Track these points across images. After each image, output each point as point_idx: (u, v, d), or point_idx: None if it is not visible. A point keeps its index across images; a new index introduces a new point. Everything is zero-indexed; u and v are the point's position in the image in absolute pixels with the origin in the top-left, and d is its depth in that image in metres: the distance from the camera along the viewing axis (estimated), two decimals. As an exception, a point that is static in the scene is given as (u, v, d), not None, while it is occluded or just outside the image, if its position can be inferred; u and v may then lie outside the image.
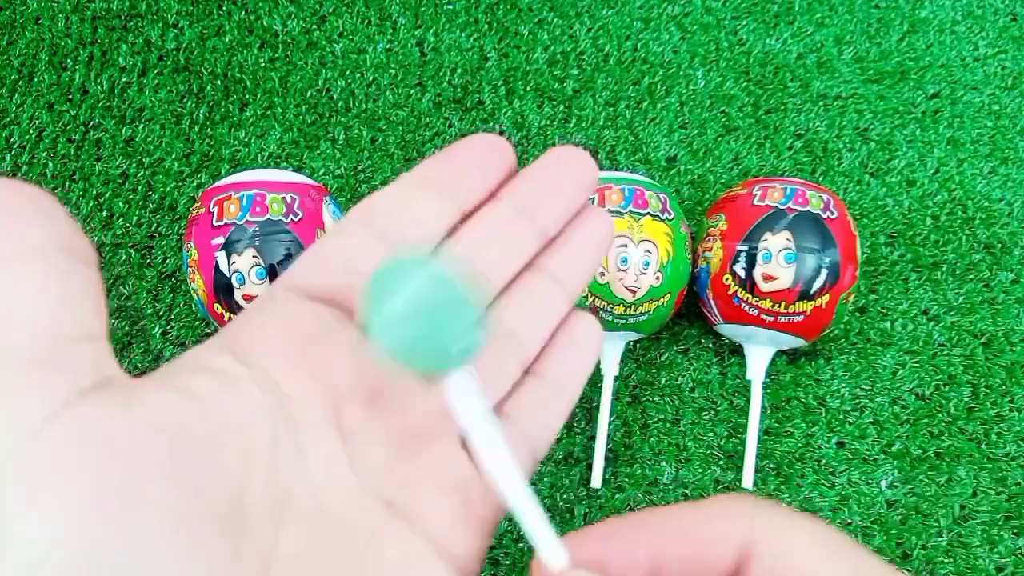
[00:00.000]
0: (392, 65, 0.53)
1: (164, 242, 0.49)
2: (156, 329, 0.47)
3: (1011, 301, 0.48)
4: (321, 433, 0.18)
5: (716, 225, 0.43)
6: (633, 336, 0.44)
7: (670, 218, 0.43)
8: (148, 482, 0.14)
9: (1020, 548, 0.43)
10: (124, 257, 0.48)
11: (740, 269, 0.42)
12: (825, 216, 0.41)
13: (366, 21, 0.54)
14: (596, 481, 0.43)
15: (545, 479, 0.44)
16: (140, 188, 0.50)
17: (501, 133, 0.52)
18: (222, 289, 0.39)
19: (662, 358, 0.47)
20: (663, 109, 0.52)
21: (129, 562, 0.14)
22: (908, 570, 0.43)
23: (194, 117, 0.52)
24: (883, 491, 0.44)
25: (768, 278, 0.41)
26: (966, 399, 0.46)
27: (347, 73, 0.53)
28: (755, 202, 0.42)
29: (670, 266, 0.42)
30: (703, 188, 0.51)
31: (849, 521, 0.44)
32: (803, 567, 0.16)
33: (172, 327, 0.47)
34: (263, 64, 0.53)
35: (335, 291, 0.20)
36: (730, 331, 0.44)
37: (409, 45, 0.54)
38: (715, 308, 0.43)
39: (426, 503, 0.19)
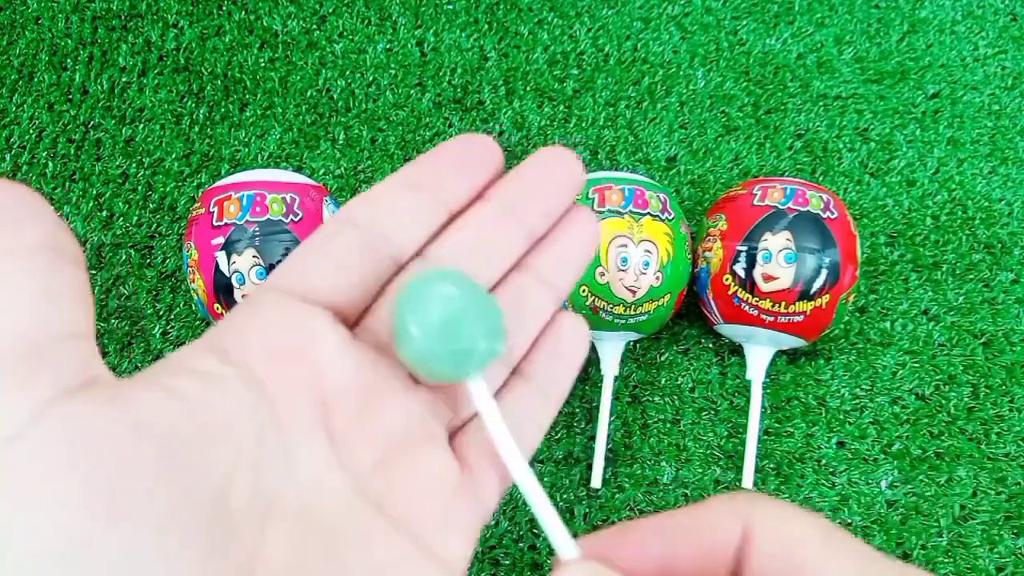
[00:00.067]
0: (392, 65, 0.53)
1: (164, 242, 0.49)
2: (156, 329, 0.47)
3: (1011, 301, 0.48)
4: (308, 434, 0.18)
5: (716, 225, 0.43)
6: (633, 336, 0.44)
7: (670, 218, 0.43)
8: (135, 482, 0.14)
9: (1020, 548, 0.43)
10: (124, 257, 0.48)
11: (740, 269, 0.42)
12: (825, 216, 0.41)
13: (366, 21, 0.54)
14: (596, 481, 0.43)
15: (545, 479, 0.44)
16: (140, 188, 0.50)
17: (501, 133, 0.52)
18: (222, 289, 0.39)
19: (662, 358, 0.47)
20: (663, 109, 0.52)
21: (116, 562, 0.14)
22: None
23: (194, 117, 0.52)
24: (883, 491, 0.44)
25: (768, 278, 0.41)
26: (966, 399, 0.46)
27: (347, 73, 0.53)
28: (755, 202, 0.42)
29: (670, 266, 0.42)
30: (703, 188, 0.51)
31: (849, 521, 0.44)
32: (804, 557, 0.16)
33: (172, 327, 0.47)
34: (263, 64, 0.53)
35: (323, 292, 0.20)
36: (730, 331, 0.44)
37: (409, 45, 0.54)
38: (715, 308, 0.43)
39: (414, 505, 0.19)
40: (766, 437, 0.45)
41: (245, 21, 0.54)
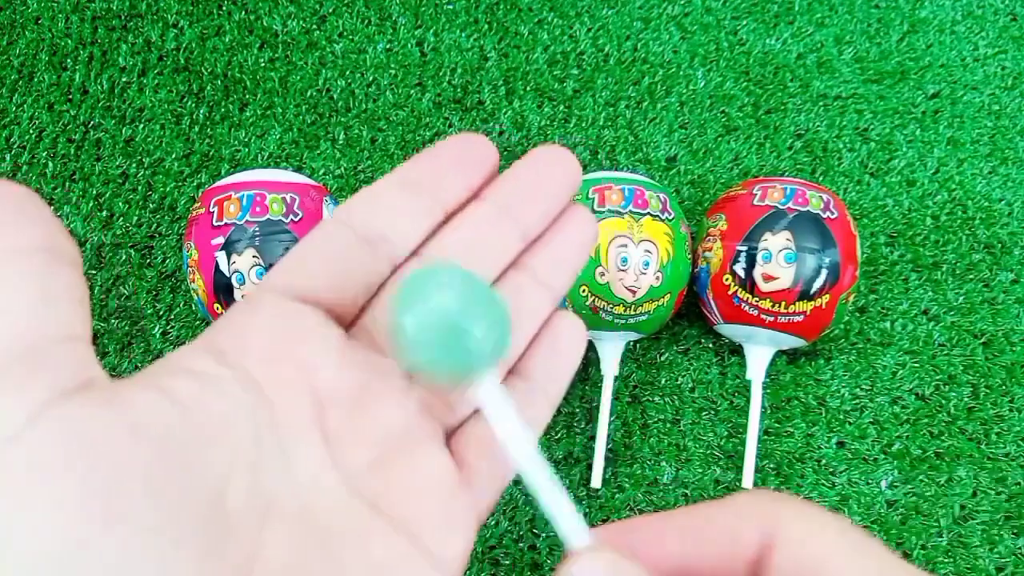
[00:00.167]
0: (392, 65, 0.53)
1: (164, 242, 0.49)
2: (156, 329, 0.47)
3: (1011, 301, 0.48)
4: (304, 434, 0.18)
5: (716, 225, 0.43)
6: (633, 336, 0.44)
7: (670, 218, 0.43)
8: (131, 484, 0.14)
9: (1020, 548, 0.43)
10: (124, 257, 0.48)
11: (740, 269, 0.42)
12: (825, 216, 0.41)
13: (366, 21, 0.54)
14: (596, 481, 0.43)
15: (545, 479, 0.44)
16: (140, 188, 0.50)
17: (501, 133, 0.52)
18: (222, 289, 0.39)
19: (662, 358, 0.47)
20: (663, 109, 0.52)
21: (113, 563, 0.14)
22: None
23: (194, 117, 0.52)
24: (883, 491, 0.44)
25: (768, 278, 0.41)
26: (966, 399, 0.46)
27: (347, 73, 0.53)
28: (755, 202, 0.42)
29: (670, 266, 0.42)
30: (703, 188, 0.51)
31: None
32: (827, 561, 0.16)
33: (172, 327, 0.47)
34: (263, 64, 0.53)
35: (319, 292, 0.20)
36: (730, 331, 0.44)
37: (409, 45, 0.54)
38: (715, 308, 0.43)
39: (411, 504, 0.19)
40: (766, 437, 0.45)
41: (245, 21, 0.54)
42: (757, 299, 0.41)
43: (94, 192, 0.50)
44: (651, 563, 0.17)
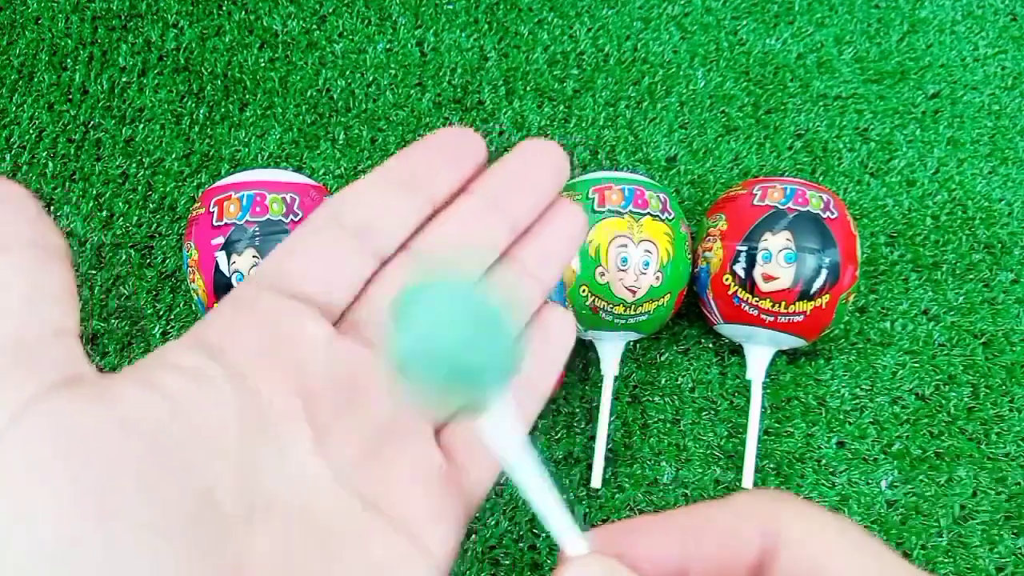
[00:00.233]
0: (392, 65, 0.53)
1: (164, 242, 0.49)
2: (156, 329, 0.47)
3: (1011, 301, 0.48)
4: (294, 429, 0.18)
5: (716, 225, 0.43)
6: (633, 336, 0.44)
7: (670, 218, 0.43)
8: (124, 480, 0.14)
9: (1020, 548, 0.43)
10: (124, 257, 0.48)
11: (740, 269, 0.42)
12: (825, 216, 0.41)
13: (366, 21, 0.54)
14: (596, 481, 0.43)
15: (545, 479, 0.44)
16: (140, 188, 0.50)
17: (501, 133, 0.52)
18: (222, 289, 0.39)
19: (662, 358, 0.47)
20: (663, 109, 0.52)
21: (105, 561, 0.13)
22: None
23: (194, 117, 0.52)
24: (883, 491, 0.44)
25: (768, 278, 0.41)
26: (966, 399, 0.46)
27: (347, 73, 0.53)
28: (755, 202, 0.42)
29: (670, 266, 0.42)
30: (703, 188, 0.51)
31: (849, 521, 0.44)
32: (828, 561, 0.16)
33: (172, 327, 0.47)
34: (263, 64, 0.53)
35: (307, 286, 0.20)
36: (730, 331, 0.44)
37: (409, 45, 0.54)
38: (715, 308, 0.43)
39: (401, 498, 0.19)
40: (766, 437, 0.45)
41: (245, 21, 0.54)
42: (757, 299, 0.41)
43: (94, 192, 0.50)
44: (651, 564, 0.17)
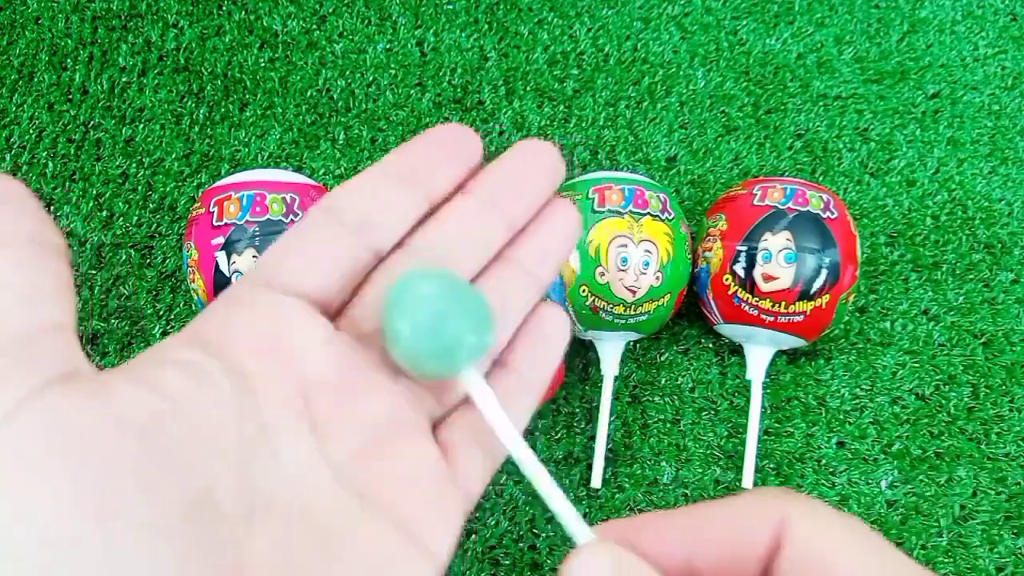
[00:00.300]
0: (392, 65, 0.53)
1: (164, 242, 0.49)
2: (156, 329, 0.47)
3: (1011, 301, 0.48)
4: (292, 425, 0.18)
5: (716, 225, 0.43)
6: (633, 336, 0.44)
7: (670, 218, 0.43)
8: (122, 478, 0.14)
9: (1020, 548, 0.43)
10: (124, 257, 0.48)
11: (740, 269, 0.42)
12: (825, 216, 0.41)
13: (366, 21, 0.54)
14: (596, 481, 0.43)
15: (545, 479, 0.44)
16: (140, 188, 0.50)
17: (501, 133, 0.52)
18: (222, 289, 0.39)
19: (662, 358, 0.47)
20: (663, 109, 0.52)
21: (105, 561, 0.13)
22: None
23: (194, 117, 0.52)
24: (883, 491, 0.44)
25: (768, 278, 0.41)
26: (966, 399, 0.46)
27: (347, 73, 0.53)
28: (755, 202, 0.42)
29: (670, 266, 0.42)
30: (703, 188, 0.51)
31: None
32: (834, 557, 0.16)
33: (172, 327, 0.47)
34: (263, 64, 0.53)
35: (304, 282, 0.20)
36: (730, 331, 0.44)
37: (409, 45, 0.54)
38: (715, 308, 0.43)
39: (398, 495, 0.19)
40: (766, 437, 0.45)
41: (245, 21, 0.54)
42: (757, 299, 0.41)
43: (94, 192, 0.50)
44: (653, 562, 0.17)
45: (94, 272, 0.48)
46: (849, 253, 0.42)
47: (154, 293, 0.48)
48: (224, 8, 0.54)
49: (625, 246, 0.41)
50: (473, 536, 0.43)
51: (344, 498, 0.18)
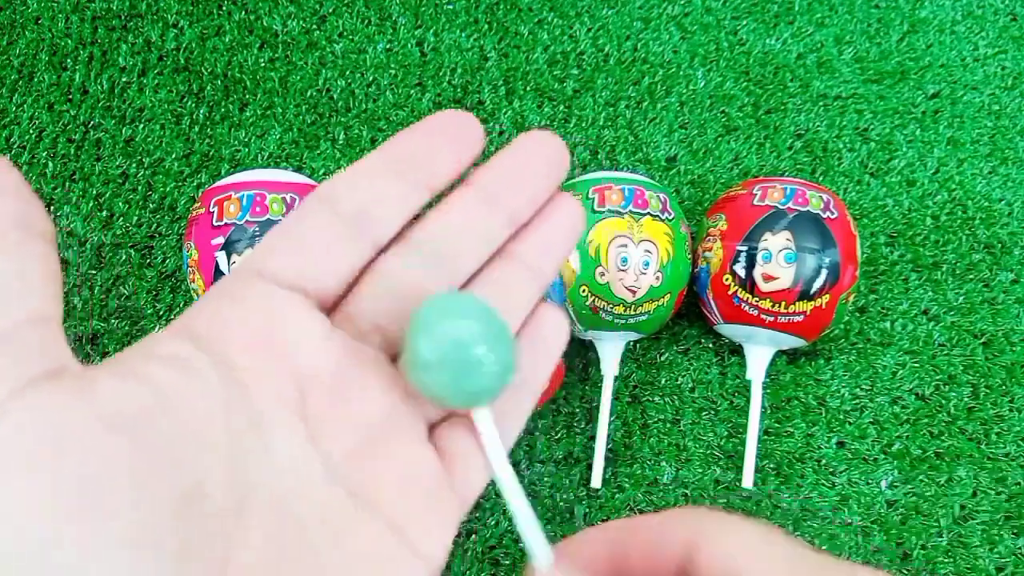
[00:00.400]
0: (392, 65, 0.53)
1: (164, 242, 0.49)
2: (156, 329, 0.47)
3: (1011, 301, 0.48)
4: (284, 422, 0.17)
5: (716, 225, 0.43)
6: (633, 336, 0.44)
7: (670, 218, 0.43)
8: (107, 477, 0.14)
9: (1020, 548, 0.43)
10: (124, 257, 0.48)
11: (740, 269, 0.42)
12: (825, 216, 0.41)
13: (366, 21, 0.54)
14: (596, 481, 0.43)
15: (545, 479, 0.44)
16: (140, 188, 0.50)
17: (501, 133, 0.52)
18: (222, 289, 0.39)
19: (662, 358, 0.47)
20: (663, 109, 0.52)
21: (89, 561, 0.13)
22: (907, 570, 0.43)
23: (194, 117, 0.52)
24: (883, 491, 0.44)
25: (768, 278, 0.41)
26: (966, 399, 0.46)
27: (347, 73, 0.53)
28: (755, 202, 0.42)
29: (670, 266, 0.42)
30: (703, 188, 0.51)
31: (849, 521, 0.44)
32: (738, 559, 0.17)
33: (172, 327, 0.47)
34: (263, 64, 0.53)
35: (299, 275, 0.19)
36: (730, 331, 0.44)
37: (409, 45, 0.54)
38: (715, 308, 0.43)
39: (392, 496, 0.18)
40: (766, 437, 0.45)
41: (245, 21, 0.54)
42: (757, 299, 0.41)
43: (94, 192, 0.50)
44: (586, 570, 0.18)
45: (94, 272, 0.48)
46: (849, 253, 0.42)
47: (154, 293, 0.48)
48: (224, 8, 0.55)
49: (625, 246, 0.41)
50: (473, 536, 0.43)
51: (337, 496, 0.18)
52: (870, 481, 0.44)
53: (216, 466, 0.16)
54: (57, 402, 0.14)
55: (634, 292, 0.41)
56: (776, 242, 0.41)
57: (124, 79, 0.53)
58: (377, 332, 0.20)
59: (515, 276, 0.22)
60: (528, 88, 0.53)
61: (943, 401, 0.46)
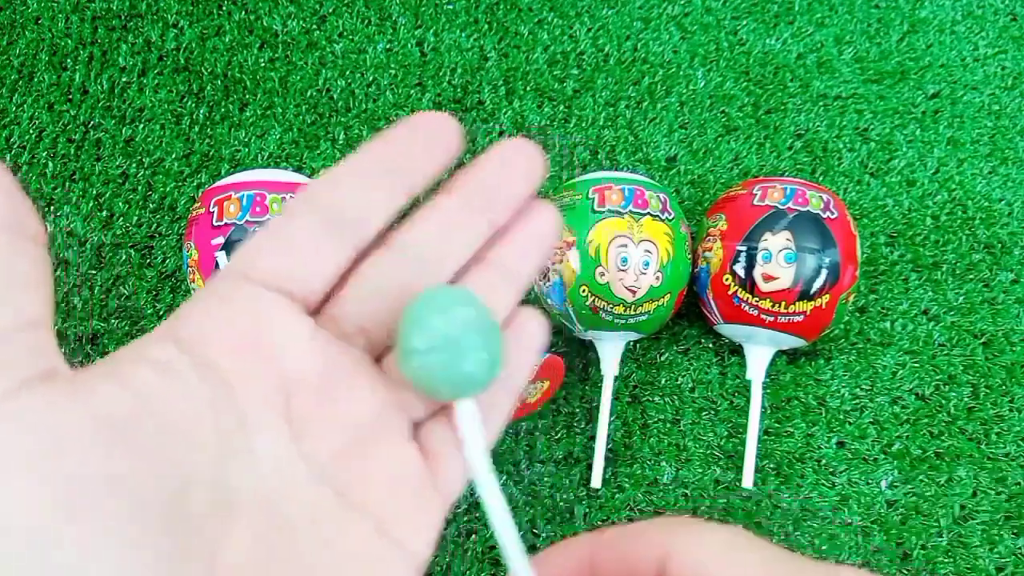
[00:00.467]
0: (392, 65, 0.53)
1: (164, 242, 0.49)
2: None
3: (1011, 301, 0.48)
4: (269, 423, 0.18)
5: (716, 225, 0.43)
6: (633, 336, 0.44)
7: (670, 218, 0.43)
8: (104, 478, 0.14)
9: (1020, 548, 0.43)
10: (124, 257, 0.48)
11: (740, 269, 0.42)
12: (825, 216, 0.41)
13: (366, 21, 0.54)
14: (596, 481, 0.43)
15: (545, 479, 0.44)
16: (140, 188, 0.50)
17: (501, 133, 0.52)
18: (222, 289, 0.39)
19: (662, 358, 0.47)
20: (663, 109, 0.52)
21: (78, 562, 0.13)
22: (907, 570, 0.43)
23: (194, 117, 0.52)
24: (883, 491, 0.44)
25: (768, 278, 0.41)
26: (966, 399, 0.46)
27: (347, 73, 0.53)
28: (755, 202, 0.42)
29: (670, 266, 0.42)
30: (703, 188, 0.51)
31: (849, 521, 0.44)
32: (713, 566, 0.17)
33: (172, 327, 0.47)
34: (263, 64, 0.53)
35: (286, 277, 0.19)
36: (730, 331, 0.44)
37: (409, 45, 0.54)
38: (715, 308, 0.43)
39: (378, 495, 0.18)
40: (766, 437, 0.45)
41: (245, 21, 0.54)
42: (757, 299, 0.41)
43: (94, 192, 0.50)
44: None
45: (94, 272, 0.48)
46: (849, 253, 0.42)
47: (154, 293, 0.48)
48: (224, 8, 0.55)
49: (625, 246, 0.41)
50: (473, 536, 0.43)
51: (325, 495, 0.18)
52: (870, 481, 0.44)
53: (203, 464, 0.16)
54: (52, 403, 0.14)
55: (634, 292, 0.41)
56: (776, 242, 0.41)
57: (124, 79, 0.53)
58: (361, 334, 0.20)
59: (494, 281, 0.22)
60: (528, 88, 0.53)
61: (943, 401, 0.46)
